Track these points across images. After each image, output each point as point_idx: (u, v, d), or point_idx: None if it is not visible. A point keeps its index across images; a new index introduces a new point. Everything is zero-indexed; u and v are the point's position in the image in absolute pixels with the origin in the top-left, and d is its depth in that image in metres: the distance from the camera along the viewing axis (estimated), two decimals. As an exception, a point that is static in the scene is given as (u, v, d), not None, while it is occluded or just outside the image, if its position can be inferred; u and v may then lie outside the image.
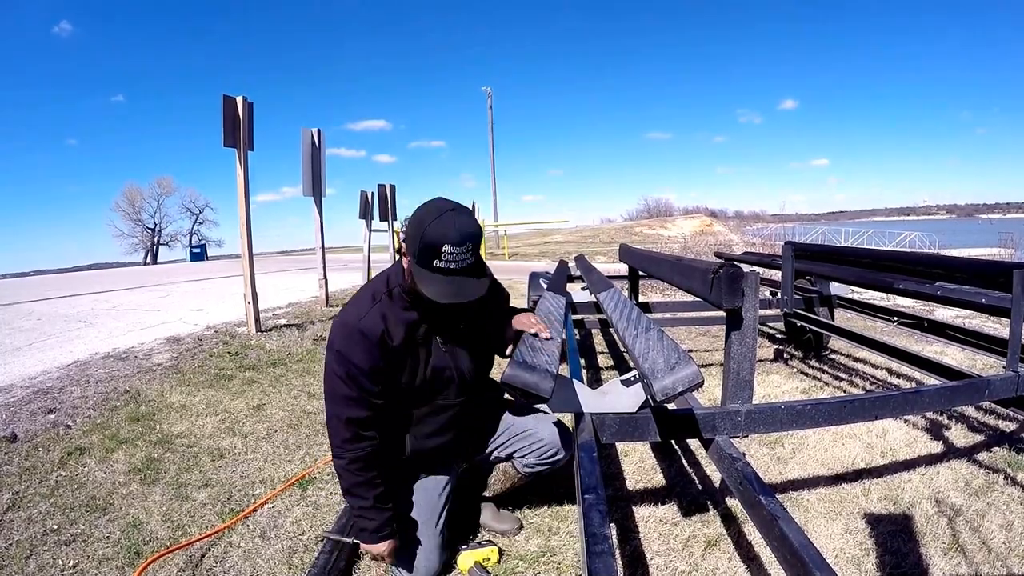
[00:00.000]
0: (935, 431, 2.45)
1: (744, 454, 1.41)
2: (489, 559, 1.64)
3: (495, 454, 1.81)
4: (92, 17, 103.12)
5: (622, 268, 4.48)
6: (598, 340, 4.51)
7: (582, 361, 3.52)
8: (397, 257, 1.57)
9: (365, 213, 7.69)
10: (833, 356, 3.82)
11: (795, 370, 3.57)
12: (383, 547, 1.53)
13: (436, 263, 1.36)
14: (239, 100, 4.66)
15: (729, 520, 1.83)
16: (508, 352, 1.64)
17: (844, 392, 3.11)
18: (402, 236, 1.53)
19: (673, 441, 2.35)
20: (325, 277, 6.43)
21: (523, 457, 1.77)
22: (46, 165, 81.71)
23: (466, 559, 1.62)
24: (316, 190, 5.96)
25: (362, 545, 1.56)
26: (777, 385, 3.22)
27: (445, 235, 1.35)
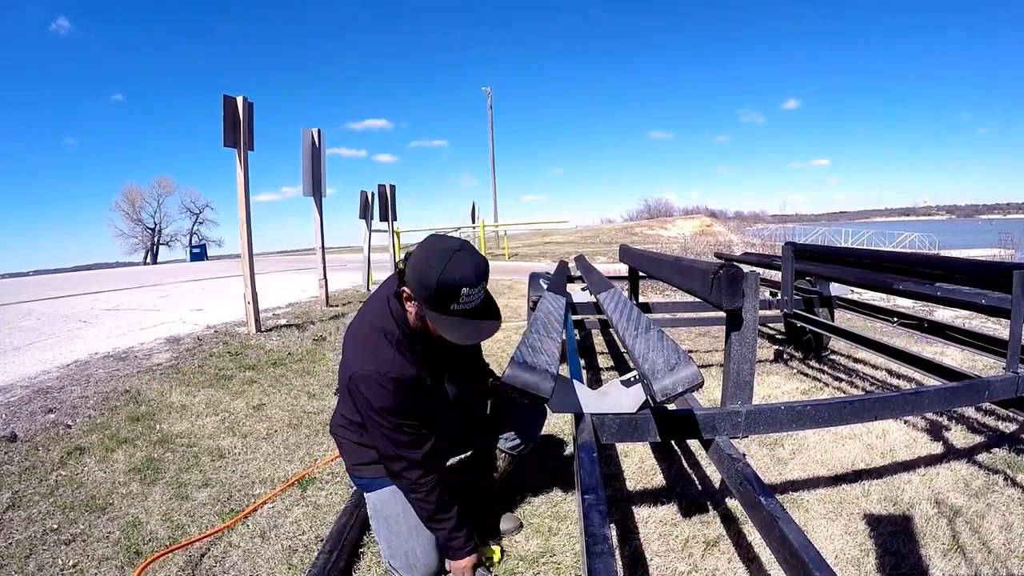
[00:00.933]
0: (935, 432, 2.45)
1: (744, 455, 1.41)
2: (489, 559, 1.64)
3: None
4: (91, 16, 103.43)
5: (622, 268, 4.48)
6: (598, 340, 4.51)
7: (582, 361, 3.52)
8: (397, 289, 1.46)
9: (365, 213, 7.69)
10: (833, 357, 3.82)
11: (795, 371, 3.57)
12: (469, 561, 1.55)
13: (455, 307, 1.34)
14: (239, 100, 4.67)
15: (729, 521, 1.83)
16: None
17: (844, 393, 3.11)
18: (406, 281, 1.40)
19: (673, 442, 2.35)
20: (325, 277, 6.43)
21: (504, 440, 1.86)
22: (46, 165, 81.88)
23: (466, 559, 1.62)
24: (316, 190, 5.96)
25: (448, 563, 1.57)
26: (777, 386, 3.22)
27: (465, 277, 1.31)
